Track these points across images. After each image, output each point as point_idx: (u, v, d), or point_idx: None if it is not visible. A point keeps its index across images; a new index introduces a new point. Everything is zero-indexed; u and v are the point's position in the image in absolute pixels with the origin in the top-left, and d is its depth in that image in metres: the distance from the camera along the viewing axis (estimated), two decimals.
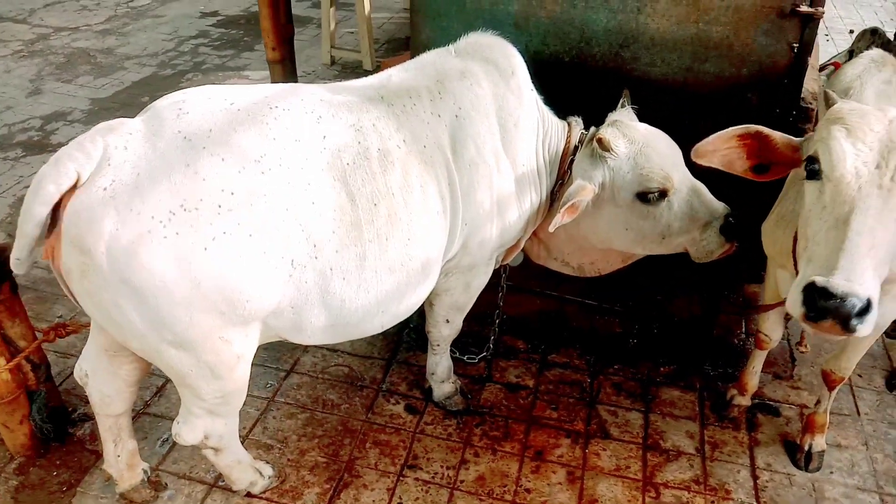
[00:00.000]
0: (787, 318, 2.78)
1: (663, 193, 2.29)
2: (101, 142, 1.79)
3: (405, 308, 2.31)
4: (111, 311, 1.86)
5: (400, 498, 2.63)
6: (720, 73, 2.58)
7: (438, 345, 2.87)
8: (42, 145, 4.89)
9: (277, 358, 3.23)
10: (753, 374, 2.93)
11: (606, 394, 3.11)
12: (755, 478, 2.74)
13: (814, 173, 1.77)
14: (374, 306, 2.17)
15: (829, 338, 1.67)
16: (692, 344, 3.24)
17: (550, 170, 2.49)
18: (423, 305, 2.50)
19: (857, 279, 1.57)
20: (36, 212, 1.77)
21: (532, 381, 3.16)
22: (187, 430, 2.23)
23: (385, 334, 3.28)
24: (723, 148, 1.98)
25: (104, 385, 2.31)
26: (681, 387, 3.15)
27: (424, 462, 2.78)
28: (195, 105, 1.91)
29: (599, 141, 2.29)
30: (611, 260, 2.63)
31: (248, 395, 2.98)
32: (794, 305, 1.64)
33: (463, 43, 2.39)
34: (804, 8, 2.38)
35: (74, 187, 1.77)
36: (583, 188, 2.26)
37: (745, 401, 2.99)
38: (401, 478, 2.71)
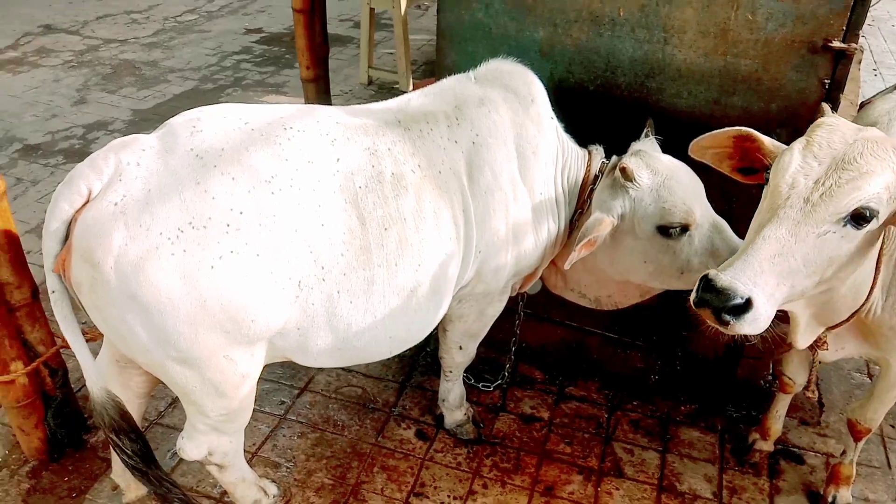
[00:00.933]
0: (813, 362, 2.67)
1: (685, 228, 2.22)
2: (114, 158, 1.82)
3: (414, 334, 2.28)
4: (118, 326, 1.87)
5: None
6: (748, 107, 2.52)
7: (451, 371, 2.83)
8: (82, 154, 5.01)
9: (292, 375, 3.23)
10: (777, 419, 2.83)
11: (623, 430, 3.03)
12: None
13: (767, 179, 1.83)
14: (382, 331, 2.15)
15: (718, 329, 1.73)
16: (715, 383, 3.13)
17: (570, 199, 2.45)
18: (436, 331, 2.47)
19: (743, 279, 1.63)
20: (52, 228, 1.83)
21: (547, 414, 3.10)
22: (191, 446, 2.23)
23: (400, 357, 3.25)
24: (717, 146, 2.04)
25: None
26: (701, 427, 3.05)
27: (431, 490, 2.73)
28: (210, 123, 1.92)
29: (623, 170, 2.23)
30: (628, 293, 2.57)
31: (259, 412, 3.00)
32: (693, 291, 1.73)
33: (483, 69, 2.37)
34: (836, 44, 2.31)
35: (87, 202, 1.80)
36: (600, 222, 2.19)
37: (767, 446, 2.88)
38: None
